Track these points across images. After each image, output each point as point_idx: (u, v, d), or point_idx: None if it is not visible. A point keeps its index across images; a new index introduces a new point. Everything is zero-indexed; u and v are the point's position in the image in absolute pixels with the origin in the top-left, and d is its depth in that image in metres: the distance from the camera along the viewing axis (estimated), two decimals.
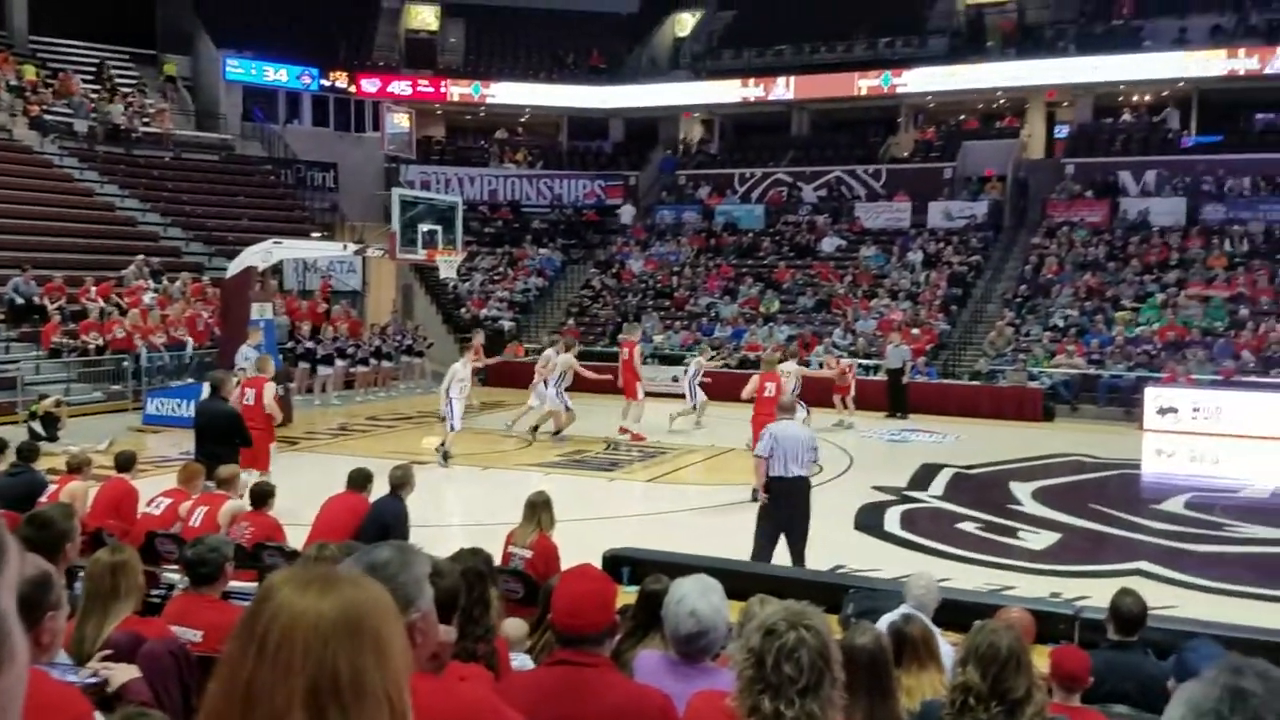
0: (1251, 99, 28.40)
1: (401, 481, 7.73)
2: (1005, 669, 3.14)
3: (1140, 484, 15.24)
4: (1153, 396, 19.05)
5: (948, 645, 4.55)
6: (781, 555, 8.89)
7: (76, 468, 8.19)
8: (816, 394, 17.63)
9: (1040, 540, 10.93)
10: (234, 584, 4.92)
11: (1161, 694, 4.26)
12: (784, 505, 8.67)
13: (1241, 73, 27.21)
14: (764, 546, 8.71)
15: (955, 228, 27.61)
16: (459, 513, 11.76)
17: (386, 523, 7.29)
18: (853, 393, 19.17)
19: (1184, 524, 11.85)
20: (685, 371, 18.95)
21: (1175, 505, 12.85)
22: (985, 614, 4.24)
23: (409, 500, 7.74)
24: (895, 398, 20.13)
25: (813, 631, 2.20)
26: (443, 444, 14.48)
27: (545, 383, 16.75)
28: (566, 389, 16.73)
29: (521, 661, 4.17)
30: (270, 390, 11.18)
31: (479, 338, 17.94)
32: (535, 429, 16.50)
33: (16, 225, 21.89)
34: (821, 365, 20.55)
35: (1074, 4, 31.01)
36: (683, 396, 18.40)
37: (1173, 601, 8.14)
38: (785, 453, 8.59)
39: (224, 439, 10.17)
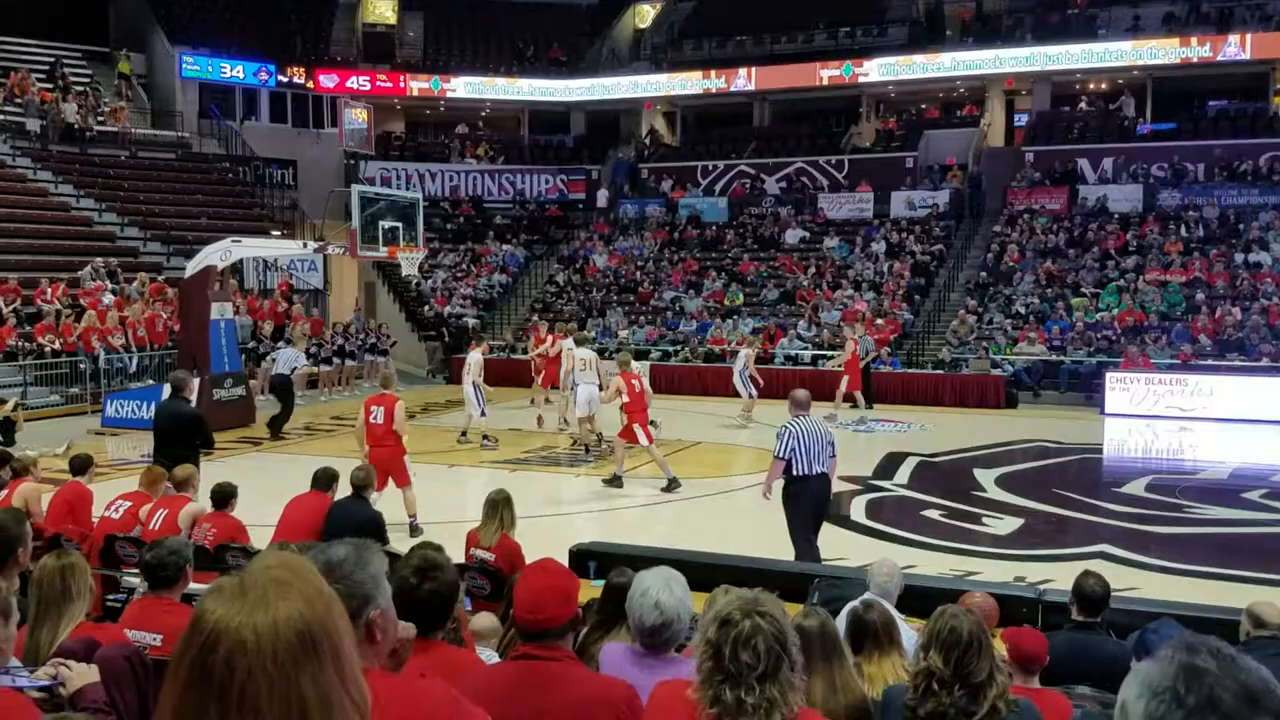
0: (1204, 86, 28.80)
1: (365, 483, 7.67)
2: (967, 653, 3.15)
3: (1102, 468, 15.42)
4: (1112, 381, 19.28)
5: (910, 630, 4.57)
6: (769, 545, 8.92)
7: (23, 470, 8.06)
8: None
9: (1004, 526, 11.03)
10: (195, 586, 4.86)
11: (1124, 674, 4.30)
12: (810, 503, 8.52)
13: (1194, 60, 27.59)
14: (805, 545, 8.53)
15: (918, 217, 27.80)
16: (422, 511, 11.65)
17: (362, 532, 7.16)
18: (843, 388, 18.62)
19: (1145, 506, 12.01)
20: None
21: (1136, 488, 13.02)
22: (949, 599, 4.26)
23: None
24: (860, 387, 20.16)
25: (768, 618, 2.20)
26: (483, 435, 15.66)
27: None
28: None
29: (488, 657, 4.14)
30: (401, 409, 10.84)
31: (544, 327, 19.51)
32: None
33: None
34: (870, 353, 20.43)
35: None
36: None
37: (1135, 583, 8.25)
38: (807, 452, 8.34)
39: (185, 441, 10.04)
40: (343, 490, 7.85)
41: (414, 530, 10.21)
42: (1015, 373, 20.90)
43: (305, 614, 1.23)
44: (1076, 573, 5.29)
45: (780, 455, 8.38)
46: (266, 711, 1.16)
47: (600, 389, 14.81)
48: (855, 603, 4.45)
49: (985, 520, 11.24)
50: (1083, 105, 30.83)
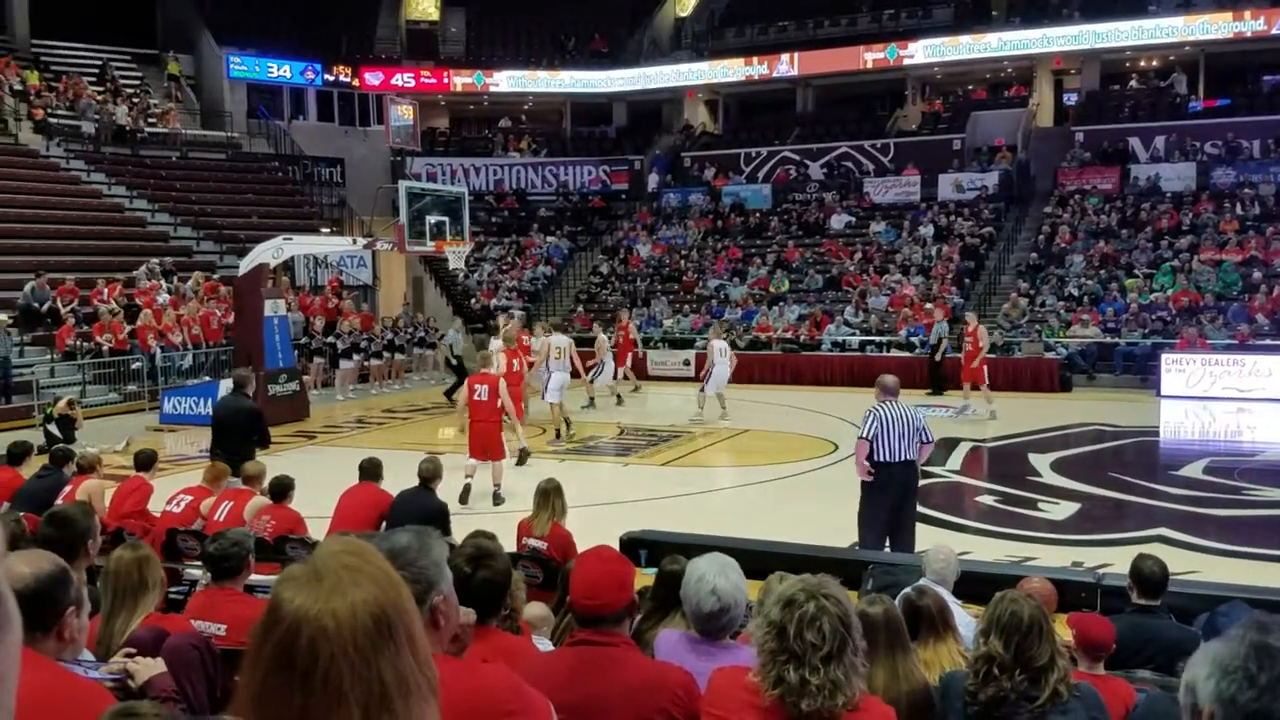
0: (1259, 60, 28.17)
1: (433, 474, 7.75)
2: (1028, 638, 3.13)
3: (1159, 450, 15.18)
4: (1168, 363, 18.96)
5: (968, 616, 4.54)
6: (819, 532, 8.88)
7: (89, 466, 8.23)
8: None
9: (1060, 510, 10.89)
10: (256, 577, 4.95)
11: (1187, 658, 4.24)
12: (890, 492, 8.12)
13: (1248, 34, 26.98)
14: (871, 535, 8.19)
15: (966, 199, 27.47)
16: (473, 500, 11.76)
17: (430, 522, 7.18)
18: (986, 379, 17.22)
19: (1203, 489, 11.80)
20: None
21: (1194, 470, 12.80)
22: (1006, 585, 4.23)
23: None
24: (934, 374, 19.80)
25: (832, 600, 2.21)
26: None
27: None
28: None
29: (543, 645, 4.17)
30: (504, 387, 11.74)
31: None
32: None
33: (25, 229, 21.99)
34: (942, 342, 19.84)
35: None
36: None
37: (1194, 567, 8.12)
38: (890, 436, 8.01)
39: (244, 435, 10.19)
40: (408, 480, 7.90)
41: (496, 499, 11.27)
42: (1069, 355, 20.60)
43: (380, 598, 1.25)
44: (1135, 556, 5.22)
45: (865, 435, 8.10)
46: (349, 694, 1.19)
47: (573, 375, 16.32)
48: (908, 589, 4.42)
49: (1041, 505, 11.12)
50: (1133, 83, 30.28)
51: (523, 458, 13.19)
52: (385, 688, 1.21)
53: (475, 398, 11.53)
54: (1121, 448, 14.80)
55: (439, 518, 7.37)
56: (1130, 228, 24.53)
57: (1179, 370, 18.85)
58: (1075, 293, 22.58)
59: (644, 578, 5.20)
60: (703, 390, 16.94)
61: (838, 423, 16.06)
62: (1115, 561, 8.13)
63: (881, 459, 8.06)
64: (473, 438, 11.63)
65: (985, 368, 17.21)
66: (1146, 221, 24.52)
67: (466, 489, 11.24)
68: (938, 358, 19.83)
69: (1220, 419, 17.24)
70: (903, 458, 8.06)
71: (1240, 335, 19.70)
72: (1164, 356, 19.16)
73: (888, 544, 8.23)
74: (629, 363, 20.54)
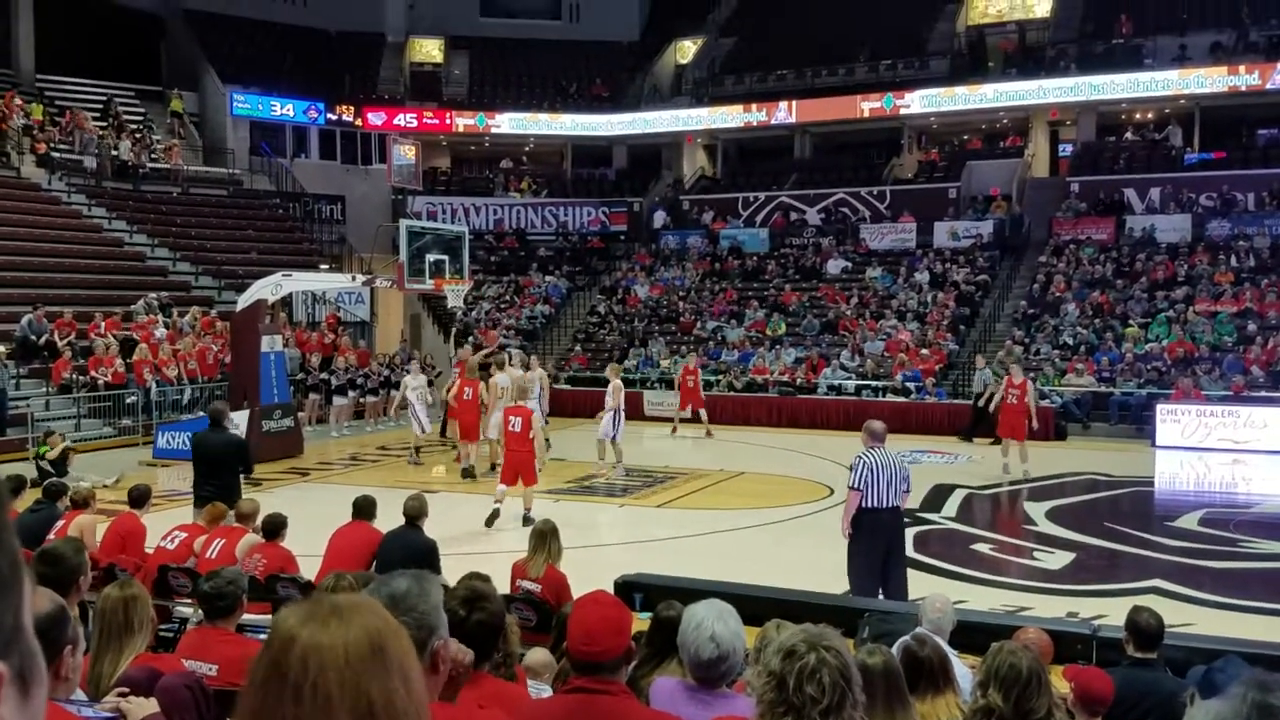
0: (1254, 114, 28.48)
1: (419, 512, 7.71)
2: (1027, 690, 3.12)
3: (1154, 501, 15.16)
4: (1163, 413, 18.99)
5: (964, 667, 4.51)
6: (814, 578, 8.85)
7: (82, 502, 8.19)
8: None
9: (1056, 560, 10.87)
10: (247, 617, 4.92)
11: (1184, 712, 4.21)
12: (880, 538, 8.20)
13: (1243, 89, 27.30)
14: (865, 582, 8.18)
15: (961, 247, 27.63)
16: (466, 540, 11.71)
17: (420, 561, 7.14)
18: (1033, 424, 16.30)
19: (1199, 541, 11.78)
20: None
21: (1189, 522, 12.78)
22: (1002, 635, 4.21)
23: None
24: (978, 421, 19.43)
25: (833, 652, 2.20)
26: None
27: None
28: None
29: (541, 692, 4.13)
30: (537, 419, 12.79)
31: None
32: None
33: (25, 262, 22.02)
34: (987, 386, 19.09)
35: (1074, 23, 31.16)
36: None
37: (1189, 619, 8.09)
38: (879, 482, 8.08)
39: (229, 469, 10.17)
40: (395, 519, 7.86)
41: (526, 520, 11.69)
42: (1064, 404, 20.62)
43: (380, 628, 1.29)
44: (1130, 608, 5.20)
45: (855, 486, 8.14)
46: (338, 707, 1.21)
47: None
48: (908, 638, 4.39)
49: (1036, 554, 11.09)
50: (1129, 135, 30.57)
51: (469, 472, 15.28)
52: (373, 707, 1.23)
53: (510, 429, 12.42)
54: (1117, 498, 14.78)
55: (429, 555, 7.33)
56: (1125, 278, 24.66)
57: (1174, 421, 18.88)
58: (1070, 341, 22.65)
59: (639, 622, 5.17)
60: (615, 440, 16.14)
61: (833, 466, 16.05)
62: (1110, 613, 8.10)
63: (870, 505, 8.11)
64: (506, 465, 12.57)
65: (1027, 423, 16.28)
66: (1141, 272, 24.66)
67: (495, 513, 12.15)
68: (982, 404, 18.96)
69: (1215, 470, 17.24)
70: (890, 503, 8.12)
71: (1235, 387, 19.75)
72: (1159, 407, 19.19)
73: (880, 591, 8.21)
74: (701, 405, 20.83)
